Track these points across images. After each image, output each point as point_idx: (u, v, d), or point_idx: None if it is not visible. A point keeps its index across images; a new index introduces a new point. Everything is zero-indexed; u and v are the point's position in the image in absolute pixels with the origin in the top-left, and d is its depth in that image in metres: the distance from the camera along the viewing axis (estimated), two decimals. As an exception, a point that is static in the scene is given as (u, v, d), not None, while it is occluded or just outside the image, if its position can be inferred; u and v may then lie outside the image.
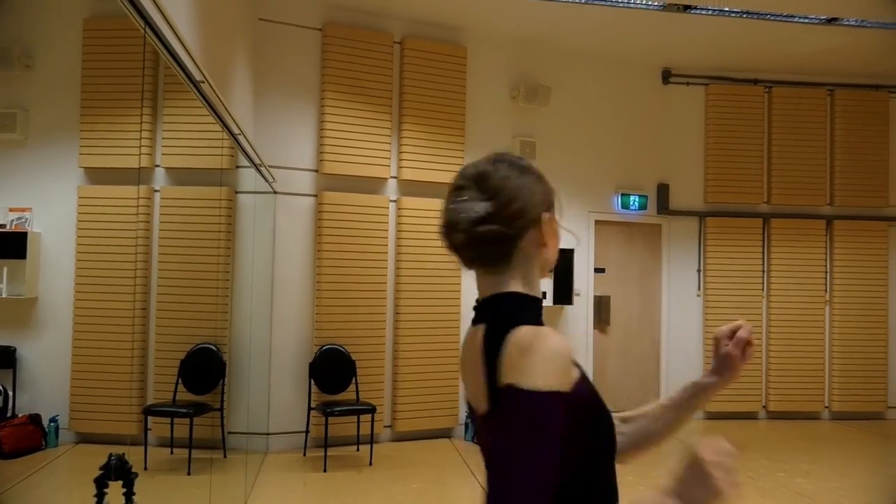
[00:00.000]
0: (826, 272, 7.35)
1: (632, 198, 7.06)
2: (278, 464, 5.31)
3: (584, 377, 1.11)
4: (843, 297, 7.30)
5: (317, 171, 5.88)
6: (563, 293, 6.56)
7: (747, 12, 5.70)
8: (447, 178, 6.25)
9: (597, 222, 7.01)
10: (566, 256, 6.58)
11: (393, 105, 6.11)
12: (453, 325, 6.19)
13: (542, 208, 1.21)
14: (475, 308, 1.21)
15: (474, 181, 1.18)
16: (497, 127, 6.58)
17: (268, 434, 5.66)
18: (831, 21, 5.87)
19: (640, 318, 7.21)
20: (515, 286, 1.17)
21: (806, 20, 5.87)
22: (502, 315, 1.12)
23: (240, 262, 5.32)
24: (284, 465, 5.27)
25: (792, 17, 5.81)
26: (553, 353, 1.00)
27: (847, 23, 5.90)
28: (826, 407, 7.30)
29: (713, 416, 7.12)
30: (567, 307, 6.75)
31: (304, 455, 5.51)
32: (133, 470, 1.75)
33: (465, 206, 1.15)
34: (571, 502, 1.08)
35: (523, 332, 1.03)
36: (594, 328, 6.96)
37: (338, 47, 5.85)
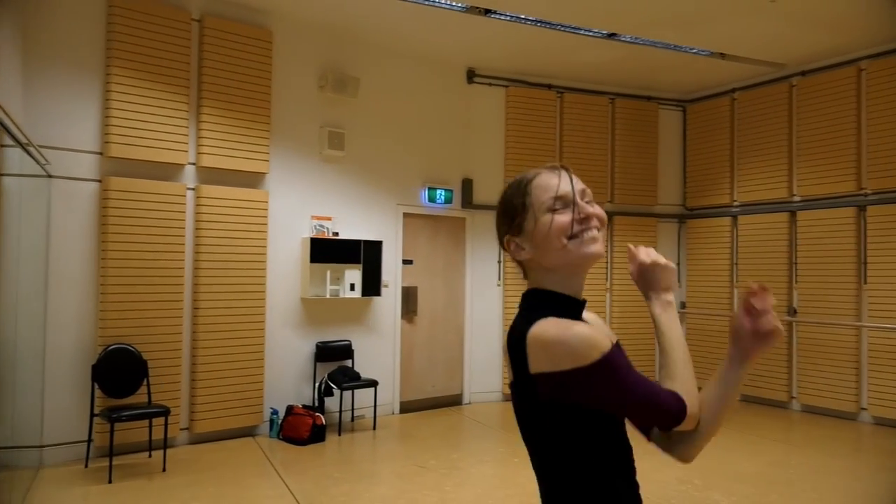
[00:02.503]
0: (607, 263, 8.18)
1: (438, 191, 7.30)
2: (54, 479, 4.77)
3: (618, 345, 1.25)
4: (620, 285, 8.17)
5: (101, 153, 5.34)
6: (372, 285, 6.62)
7: (541, 21, 6.13)
8: (251, 165, 6.02)
9: (405, 215, 7.15)
10: (375, 249, 6.64)
11: (191, 87, 5.73)
12: (258, 321, 5.98)
13: (505, 228, 1.37)
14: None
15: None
16: (305, 115, 6.44)
17: (41, 447, 5.06)
18: (611, 36, 6.52)
19: (446, 307, 7.49)
20: (541, 284, 1.32)
21: (590, 33, 6.45)
22: (522, 309, 1.30)
23: (4, 253, 4.68)
24: (62, 480, 4.74)
25: (579, 29, 6.35)
26: (565, 336, 1.17)
27: (624, 39, 6.58)
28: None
29: (511, 398, 7.61)
30: (375, 298, 6.81)
31: (87, 467, 5.01)
32: None
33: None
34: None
35: (534, 330, 1.21)
36: (402, 318, 7.11)
37: (125, 19, 5.35)
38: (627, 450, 1.32)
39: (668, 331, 1.33)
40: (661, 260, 1.39)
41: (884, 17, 6.05)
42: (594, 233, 1.28)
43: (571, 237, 1.26)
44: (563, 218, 1.27)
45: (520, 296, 1.34)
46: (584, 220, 1.28)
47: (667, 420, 1.21)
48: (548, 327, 1.19)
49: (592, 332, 1.18)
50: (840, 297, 6.88)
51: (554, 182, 1.30)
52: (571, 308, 1.29)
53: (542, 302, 1.29)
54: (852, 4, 5.75)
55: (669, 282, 1.38)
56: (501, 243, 1.36)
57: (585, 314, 1.37)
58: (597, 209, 1.31)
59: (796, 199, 7.44)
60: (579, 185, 1.31)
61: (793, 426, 6.74)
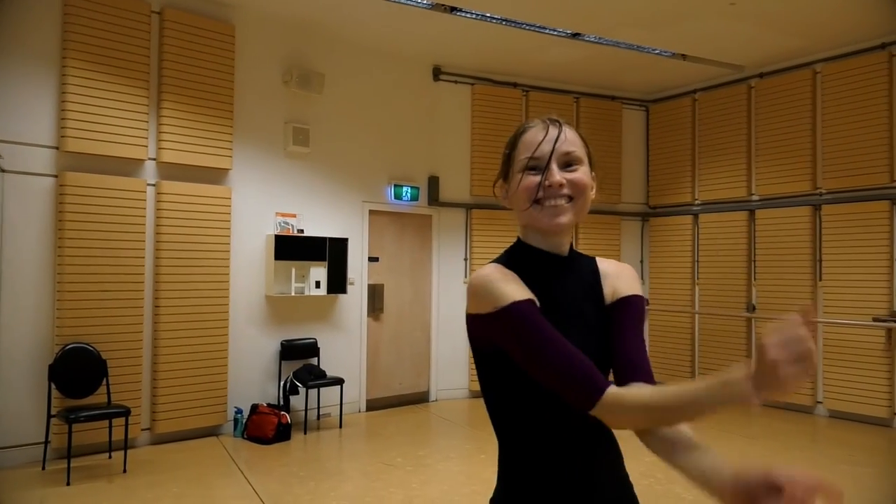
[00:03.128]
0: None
1: (404, 189, 7.28)
2: (9, 482, 4.63)
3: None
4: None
5: (57, 148, 5.20)
6: (337, 282, 6.57)
7: (506, 20, 6.16)
8: (214, 161, 5.94)
9: (371, 212, 7.12)
10: (340, 246, 6.60)
11: (151, 81, 5.61)
12: (221, 319, 5.89)
13: (499, 173, 1.38)
14: None
15: None
16: (269, 111, 6.36)
17: (-5, 449, 4.92)
18: (576, 35, 6.58)
19: (412, 304, 7.48)
20: (522, 236, 1.34)
21: (555, 33, 6.50)
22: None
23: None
24: (17, 483, 4.61)
25: (544, 28, 6.39)
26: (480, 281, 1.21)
27: (588, 38, 6.65)
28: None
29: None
30: (341, 296, 6.77)
31: (44, 469, 4.88)
32: None
33: None
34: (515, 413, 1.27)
35: (472, 275, 1.27)
36: (368, 316, 7.08)
37: (82, 9, 5.21)
38: (570, 427, 1.22)
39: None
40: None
41: (839, 22, 6.23)
42: (557, 202, 1.23)
43: (536, 201, 1.25)
44: (530, 181, 1.25)
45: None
46: (549, 187, 1.24)
47: (574, 395, 1.11)
48: (477, 273, 1.23)
49: (504, 284, 1.19)
50: (796, 293, 7.07)
51: (537, 140, 1.27)
52: (545, 263, 1.28)
53: (510, 252, 1.34)
54: (809, 8, 5.91)
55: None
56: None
57: (601, 263, 1.37)
58: (572, 175, 1.25)
59: (755, 198, 7.62)
60: (565, 146, 1.26)
61: (752, 420, 6.91)
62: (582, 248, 8.13)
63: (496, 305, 1.17)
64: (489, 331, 1.20)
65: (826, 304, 6.84)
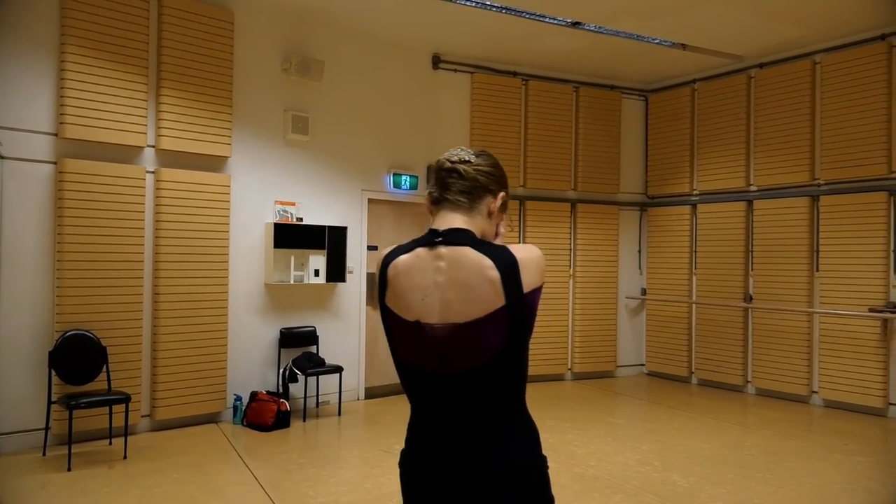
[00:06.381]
0: (571, 249, 8.28)
1: (403, 177, 7.28)
2: (10, 467, 4.66)
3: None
4: (583, 271, 8.29)
5: (56, 134, 5.19)
6: (336, 271, 6.59)
7: (506, 8, 6.14)
8: (213, 149, 5.93)
9: (370, 201, 7.12)
10: (339, 234, 6.61)
11: (150, 67, 5.59)
12: (220, 306, 5.90)
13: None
14: (441, 234, 1.48)
15: (477, 154, 1.68)
16: (268, 99, 6.35)
17: (-4, 435, 4.95)
18: (576, 24, 6.56)
19: (411, 293, 7.48)
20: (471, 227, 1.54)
21: (555, 21, 6.49)
22: (479, 243, 1.47)
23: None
24: (18, 468, 4.64)
25: (543, 16, 6.38)
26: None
27: (588, 27, 6.64)
28: (569, 369, 8.27)
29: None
30: (340, 284, 6.79)
31: (44, 455, 4.91)
32: None
33: (478, 160, 1.65)
34: None
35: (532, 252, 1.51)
36: (367, 304, 7.10)
37: (82, -4, 5.19)
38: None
39: None
40: None
41: (839, 12, 6.22)
42: None
43: None
44: None
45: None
46: None
47: None
48: (532, 247, 1.57)
49: None
50: (793, 284, 7.10)
51: None
52: None
53: None
54: (809, -2, 5.89)
55: None
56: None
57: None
58: None
59: (753, 188, 7.63)
60: None
61: (748, 409, 6.96)
62: (579, 238, 8.16)
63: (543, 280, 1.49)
64: (537, 301, 1.47)
65: (823, 295, 6.88)
